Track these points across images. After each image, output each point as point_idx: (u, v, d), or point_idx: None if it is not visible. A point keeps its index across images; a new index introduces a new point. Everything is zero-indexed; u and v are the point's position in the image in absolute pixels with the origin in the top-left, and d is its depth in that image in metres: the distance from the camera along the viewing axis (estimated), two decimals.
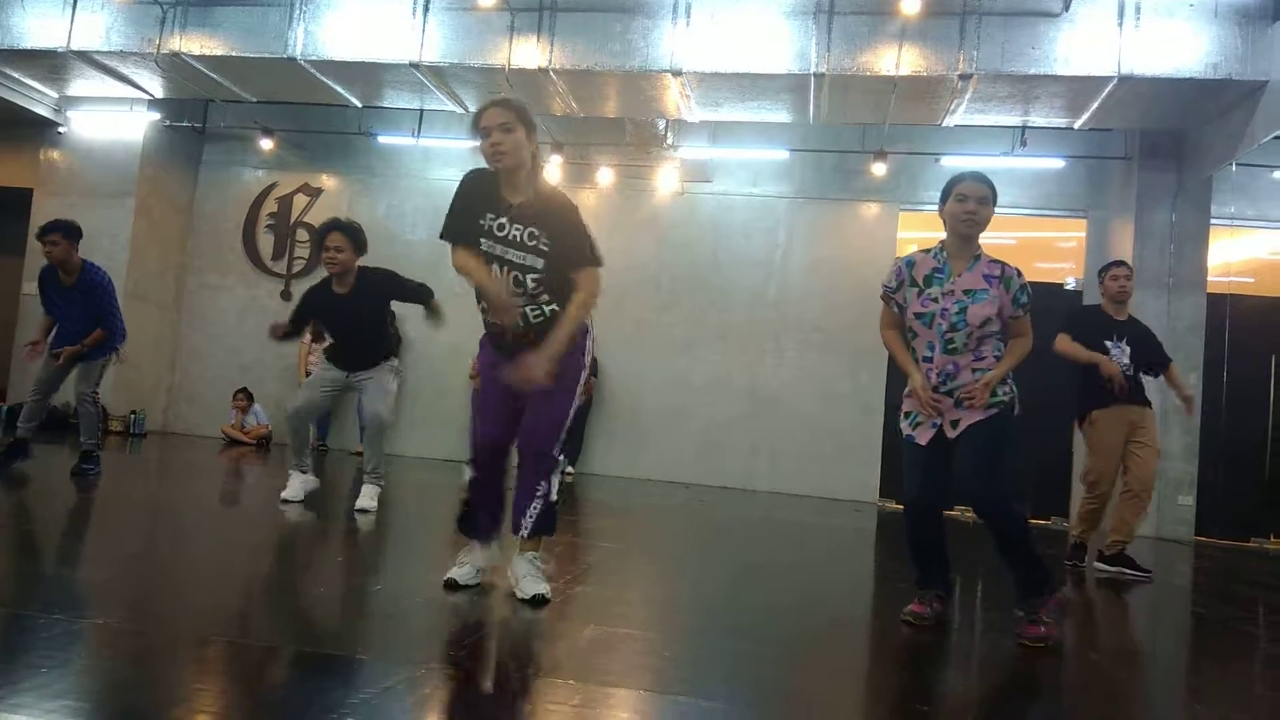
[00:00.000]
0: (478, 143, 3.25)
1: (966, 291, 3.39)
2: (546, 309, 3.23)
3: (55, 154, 10.52)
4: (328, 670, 2.49)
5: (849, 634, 3.52)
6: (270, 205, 11.07)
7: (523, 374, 3.12)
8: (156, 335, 10.85)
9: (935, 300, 3.40)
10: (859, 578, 5.50)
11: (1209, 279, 8.70)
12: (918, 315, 3.43)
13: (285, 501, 5.42)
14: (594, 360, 10.56)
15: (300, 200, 11.04)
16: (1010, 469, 3.51)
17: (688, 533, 6.51)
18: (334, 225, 5.38)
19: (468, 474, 3.45)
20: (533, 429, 3.29)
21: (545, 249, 3.20)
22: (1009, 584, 3.45)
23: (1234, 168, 7.99)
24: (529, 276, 3.21)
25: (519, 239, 3.21)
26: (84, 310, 6.02)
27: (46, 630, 2.51)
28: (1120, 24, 7.25)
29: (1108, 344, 5.43)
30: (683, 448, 9.98)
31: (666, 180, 10.19)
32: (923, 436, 3.46)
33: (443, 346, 10.39)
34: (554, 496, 3.35)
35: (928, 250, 3.54)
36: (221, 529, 5.03)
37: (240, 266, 11.05)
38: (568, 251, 3.22)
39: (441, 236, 3.35)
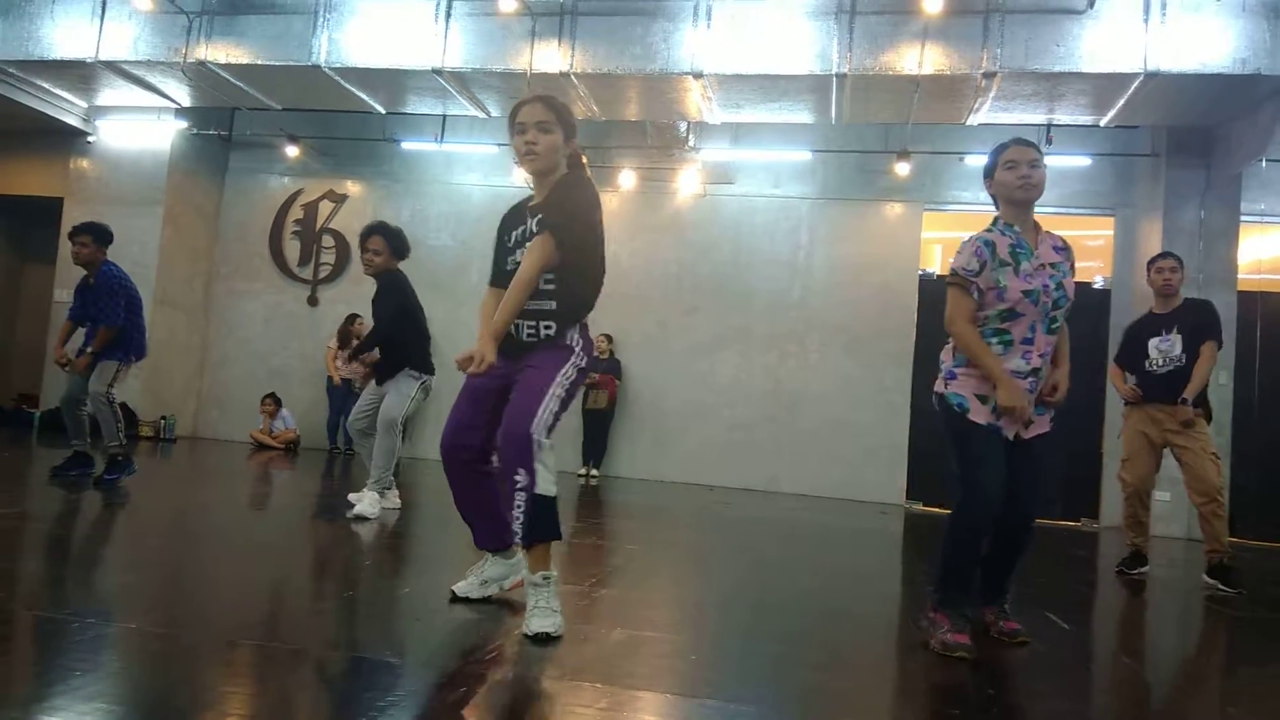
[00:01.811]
0: (511, 139, 3.10)
1: (1051, 265, 3.23)
2: (542, 330, 3.03)
3: (85, 163, 10.68)
4: (356, 673, 2.50)
5: (877, 637, 3.49)
6: (296, 212, 11.18)
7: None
8: (185, 341, 10.98)
9: (1032, 276, 3.18)
10: (886, 581, 5.46)
11: (1239, 276, 8.59)
12: (1026, 293, 3.15)
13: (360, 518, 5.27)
14: (617, 362, 10.58)
15: (326, 206, 11.13)
16: None
17: (712, 535, 6.50)
18: (376, 228, 5.45)
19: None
20: (509, 415, 2.93)
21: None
22: (1022, 585, 3.42)
23: (1264, 164, 7.90)
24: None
25: (528, 235, 3.05)
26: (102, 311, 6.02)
27: (79, 634, 2.54)
28: (1146, 19, 7.18)
29: (1153, 341, 5.32)
30: (706, 449, 9.97)
31: (688, 182, 10.19)
32: (1010, 428, 3.20)
33: (464, 349, 10.44)
34: (542, 489, 2.84)
35: (989, 229, 3.32)
36: (250, 533, 5.08)
37: (267, 273, 11.16)
38: (546, 207, 3.00)
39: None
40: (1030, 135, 9.30)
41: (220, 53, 8.55)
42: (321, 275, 11.06)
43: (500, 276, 3.20)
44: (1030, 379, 3.20)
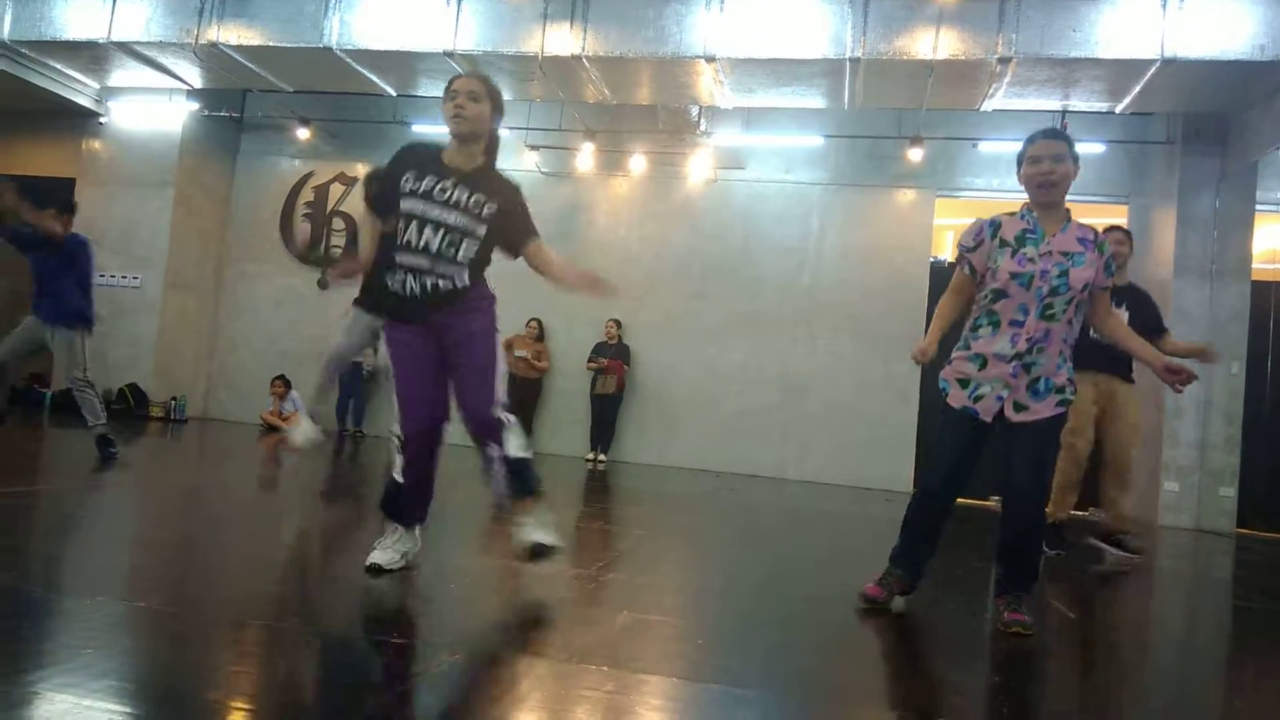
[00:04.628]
0: (442, 107, 3.28)
1: (1065, 254, 3.19)
2: (458, 282, 3.18)
3: (96, 144, 10.70)
4: (365, 654, 2.52)
5: (882, 623, 3.49)
6: (307, 194, 11.18)
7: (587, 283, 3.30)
8: (195, 324, 11.03)
9: (1033, 261, 3.18)
10: None
11: (1254, 266, 8.52)
12: (1014, 275, 3.19)
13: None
14: (626, 347, 10.61)
15: (336, 189, 11.13)
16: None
17: (719, 521, 6.51)
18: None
19: (398, 458, 3.28)
20: (471, 402, 3.21)
21: (489, 218, 3.20)
22: (1041, 575, 3.41)
23: None
24: (465, 240, 3.16)
25: (463, 203, 3.17)
26: (62, 274, 6.04)
27: (90, 613, 2.56)
28: (1164, 5, 7.09)
29: None
30: (713, 436, 9.97)
31: (699, 167, 10.15)
32: (987, 411, 3.24)
33: None
34: (515, 453, 3.20)
35: (1013, 213, 3.34)
36: (259, 514, 5.10)
37: (278, 255, 11.17)
38: (516, 225, 3.26)
39: (372, 206, 3.46)
40: (1044, 121, 9.28)
41: (232, 34, 8.54)
42: (333, 258, 11.07)
43: (390, 217, 3.29)
44: (1015, 363, 3.21)
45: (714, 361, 10.10)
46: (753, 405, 9.95)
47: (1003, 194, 9.36)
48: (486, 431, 3.21)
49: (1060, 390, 3.25)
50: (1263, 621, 4.51)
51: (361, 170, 11.11)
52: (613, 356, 9.89)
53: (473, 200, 3.17)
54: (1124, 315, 5.26)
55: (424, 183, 3.19)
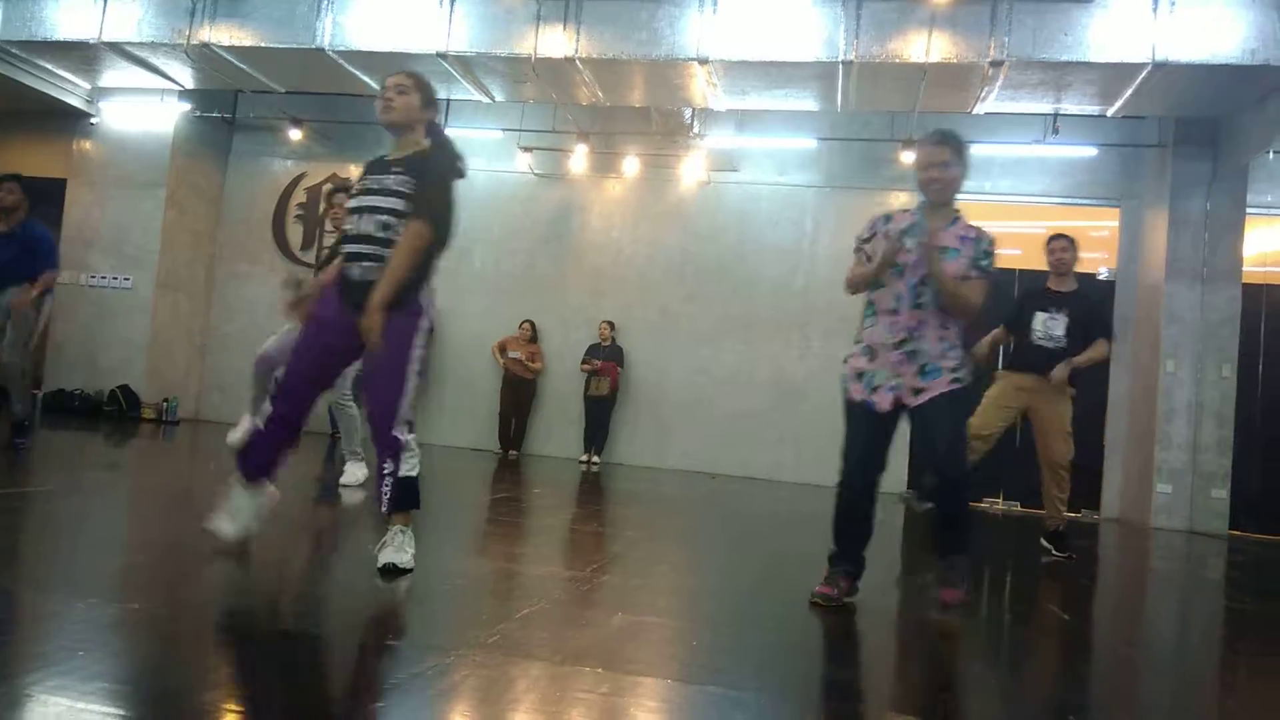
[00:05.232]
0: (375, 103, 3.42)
1: (941, 248, 3.36)
2: (383, 257, 3.24)
3: (88, 144, 10.65)
4: (358, 657, 2.51)
5: (875, 624, 3.50)
6: (299, 195, 11.15)
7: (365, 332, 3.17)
8: (188, 324, 10.98)
9: (909, 251, 3.36)
10: (885, 569, 5.46)
11: (1244, 269, 8.55)
12: (891, 265, 3.39)
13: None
14: (620, 349, 10.65)
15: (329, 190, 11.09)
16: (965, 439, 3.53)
17: (713, 523, 6.51)
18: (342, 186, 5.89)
19: (267, 406, 3.42)
20: (373, 411, 3.30)
21: (409, 192, 3.26)
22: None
23: (1271, 156, 7.87)
24: (399, 222, 3.24)
25: (392, 186, 3.27)
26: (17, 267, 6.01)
27: (83, 615, 2.55)
28: (1155, 9, 7.12)
29: (1040, 315, 5.49)
30: (707, 438, 9.97)
31: (692, 169, 10.15)
32: (883, 401, 3.39)
33: (467, 335, 10.45)
34: (406, 472, 3.26)
35: (908, 209, 3.56)
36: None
37: (270, 256, 11.13)
38: (418, 196, 3.25)
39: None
40: (1036, 124, 9.31)
41: (224, 34, 8.51)
42: (324, 259, 11.02)
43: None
44: (898, 352, 3.36)
45: (708, 363, 10.10)
46: (747, 407, 9.95)
47: (996, 197, 9.39)
48: (384, 446, 3.26)
49: (952, 370, 3.37)
50: (1255, 623, 4.53)
51: (354, 171, 11.10)
52: (606, 358, 9.88)
53: (400, 180, 3.28)
54: (1063, 321, 5.43)
55: (368, 180, 3.37)
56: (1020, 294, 5.54)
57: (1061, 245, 5.64)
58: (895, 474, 9.51)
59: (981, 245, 3.40)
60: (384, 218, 3.25)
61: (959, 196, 3.55)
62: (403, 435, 3.26)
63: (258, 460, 3.45)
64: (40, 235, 6.14)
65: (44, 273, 6.04)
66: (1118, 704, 2.81)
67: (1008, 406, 5.53)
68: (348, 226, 3.34)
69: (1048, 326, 5.45)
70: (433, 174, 3.30)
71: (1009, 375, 5.61)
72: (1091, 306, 5.63)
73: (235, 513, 3.44)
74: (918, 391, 3.35)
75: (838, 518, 3.54)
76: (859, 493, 3.50)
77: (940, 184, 3.43)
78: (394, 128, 3.42)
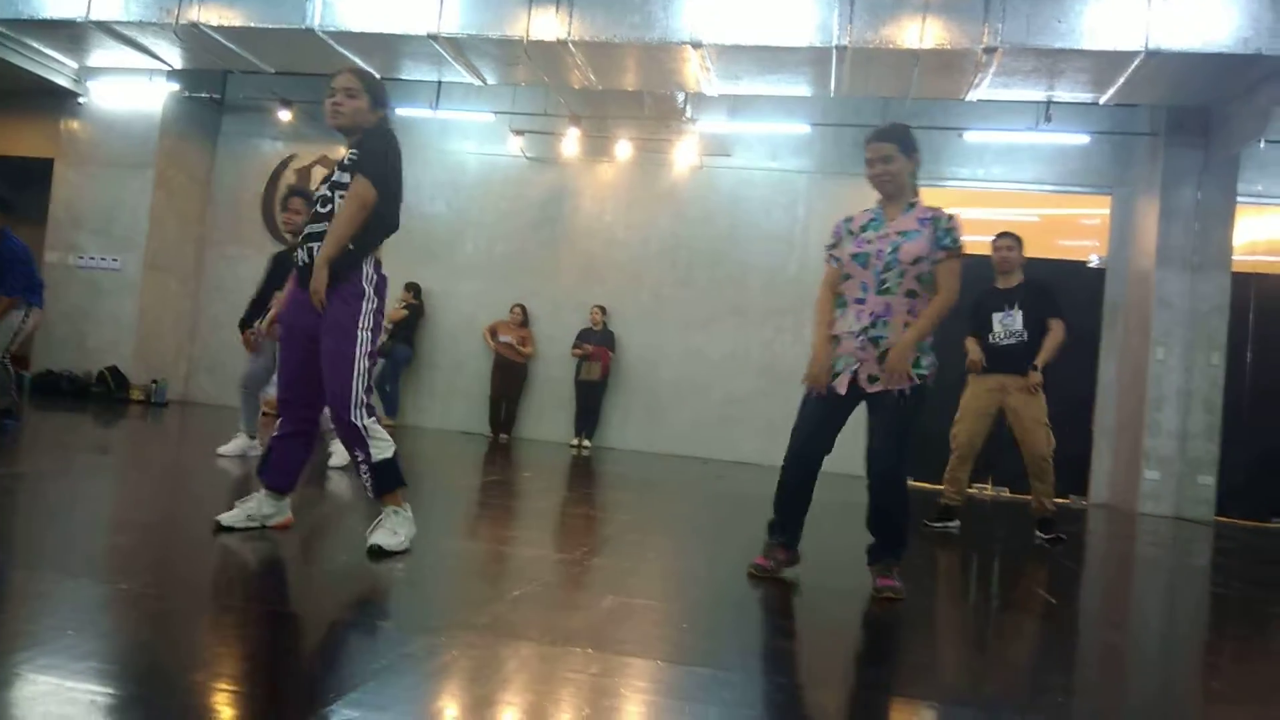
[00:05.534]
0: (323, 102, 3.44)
1: (900, 232, 3.46)
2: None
3: (75, 124, 10.56)
4: (347, 637, 2.51)
5: (865, 608, 3.51)
6: (289, 177, 11.08)
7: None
8: (176, 306, 10.93)
9: (870, 241, 3.48)
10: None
11: (1234, 258, 8.59)
12: (854, 256, 3.49)
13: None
14: (611, 334, 10.65)
15: (319, 172, 11.03)
16: (913, 439, 3.59)
17: (704, 507, 6.52)
18: (297, 191, 5.94)
19: (278, 420, 3.51)
20: (330, 401, 3.31)
21: (350, 164, 3.32)
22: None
23: (1262, 145, 7.87)
24: (337, 193, 3.32)
25: (338, 180, 3.35)
26: None
27: (73, 594, 2.54)
28: None
29: (995, 315, 5.66)
30: (699, 422, 9.98)
31: (685, 154, 10.13)
32: (841, 384, 3.49)
33: (458, 318, 10.44)
34: (378, 455, 3.28)
35: (867, 208, 3.66)
36: (240, 497, 5.06)
37: (259, 238, 11.07)
38: (359, 160, 3.30)
39: None
40: (1029, 111, 9.30)
41: (213, 14, 8.43)
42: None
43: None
44: (861, 337, 3.43)
45: (700, 348, 10.11)
46: (738, 392, 9.96)
47: (988, 184, 9.39)
48: (347, 435, 3.30)
49: (915, 364, 3.41)
50: (1240, 607, 4.57)
51: (344, 154, 11.04)
52: (598, 343, 9.88)
53: (342, 169, 3.35)
54: (1018, 315, 5.60)
55: (331, 178, 3.42)
56: (973, 301, 5.61)
57: (1006, 244, 5.76)
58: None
59: (940, 223, 3.46)
60: (334, 207, 3.31)
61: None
62: (360, 420, 3.26)
63: (277, 471, 3.50)
64: (13, 254, 6.35)
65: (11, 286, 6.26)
66: (1103, 685, 2.83)
67: (987, 413, 5.68)
68: (311, 225, 3.38)
69: (1005, 324, 5.62)
70: (371, 139, 3.35)
71: (979, 379, 5.72)
72: (1039, 292, 5.72)
73: (243, 511, 3.50)
74: (874, 379, 3.44)
75: (780, 490, 3.67)
76: (801, 468, 3.61)
77: (888, 177, 3.53)
78: (343, 131, 3.42)
